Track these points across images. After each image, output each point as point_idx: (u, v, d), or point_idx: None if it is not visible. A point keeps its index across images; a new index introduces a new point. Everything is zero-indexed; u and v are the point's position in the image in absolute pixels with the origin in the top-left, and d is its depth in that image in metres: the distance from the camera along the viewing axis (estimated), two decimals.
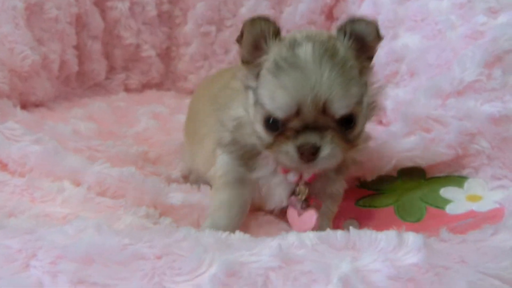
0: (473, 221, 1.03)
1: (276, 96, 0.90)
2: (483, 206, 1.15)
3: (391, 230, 0.81)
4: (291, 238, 0.80)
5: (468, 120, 1.24)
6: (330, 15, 1.95)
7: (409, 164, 1.27)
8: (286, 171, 1.04)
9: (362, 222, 1.20)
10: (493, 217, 1.06)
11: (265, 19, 0.95)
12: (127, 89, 2.02)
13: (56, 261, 0.68)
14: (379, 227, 1.15)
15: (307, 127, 0.90)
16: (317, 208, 1.06)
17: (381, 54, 1.57)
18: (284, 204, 1.08)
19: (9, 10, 1.39)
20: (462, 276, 0.74)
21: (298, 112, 0.90)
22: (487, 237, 0.88)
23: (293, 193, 1.06)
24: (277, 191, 1.06)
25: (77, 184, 1.10)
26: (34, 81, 1.50)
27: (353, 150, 0.98)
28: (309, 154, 0.89)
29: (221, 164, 1.07)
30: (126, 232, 0.80)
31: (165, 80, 2.09)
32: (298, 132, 0.90)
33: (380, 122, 1.68)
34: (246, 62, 0.99)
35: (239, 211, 1.05)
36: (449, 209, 1.18)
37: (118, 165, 1.26)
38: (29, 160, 1.12)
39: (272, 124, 0.93)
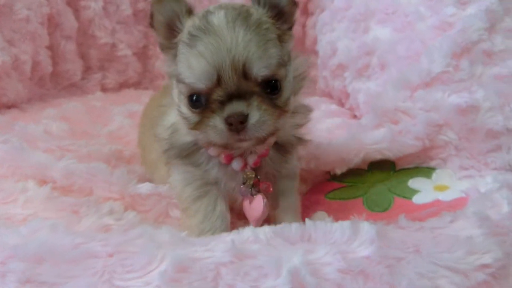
0: (435, 210, 1.03)
1: (193, 66, 0.86)
2: (449, 195, 1.16)
3: (346, 221, 0.82)
4: (246, 233, 0.81)
5: (435, 111, 1.24)
6: (305, 10, 1.95)
7: (377, 156, 1.27)
8: (229, 160, 0.99)
9: (331, 214, 1.19)
10: (455, 205, 1.06)
11: None
12: (104, 89, 2.02)
13: (5, 261, 0.68)
14: (347, 218, 1.18)
15: (231, 97, 0.85)
16: (267, 191, 1.02)
17: (353, 47, 1.59)
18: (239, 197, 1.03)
19: None
20: (412, 268, 0.75)
21: (219, 81, 0.85)
22: (445, 224, 0.89)
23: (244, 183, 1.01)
24: (232, 184, 1.02)
25: (43, 182, 1.11)
26: (4, 83, 1.50)
27: (284, 117, 0.93)
28: (238, 123, 0.84)
29: (176, 183, 1.02)
30: (82, 231, 0.80)
31: (143, 79, 2.08)
32: (223, 103, 0.86)
33: (354, 116, 1.69)
34: (165, 48, 0.96)
35: (222, 226, 1.00)
36: (416, 199, 1.18)
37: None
38: None
39: (196, 101, 0.88)
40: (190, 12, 0.93)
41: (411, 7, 1.47)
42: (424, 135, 1.23)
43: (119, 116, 1.69)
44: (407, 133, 1.24)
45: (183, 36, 0.90)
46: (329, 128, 1.48)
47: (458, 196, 1.15)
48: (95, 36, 1.89)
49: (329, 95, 1.86)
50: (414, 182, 1.26)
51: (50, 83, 1.81)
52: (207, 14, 0.90)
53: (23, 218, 0.97)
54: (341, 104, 1.76)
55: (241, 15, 0.88)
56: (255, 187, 1.01)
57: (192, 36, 0.87)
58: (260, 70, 0.86)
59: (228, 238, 0.78)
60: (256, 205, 1.01)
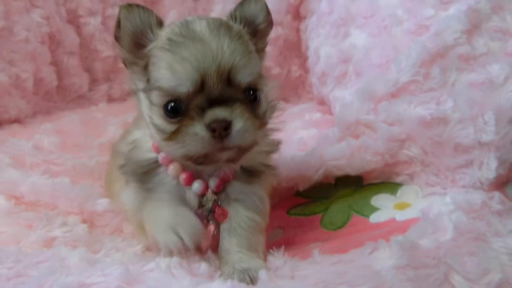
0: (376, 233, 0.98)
1: (176, 69, 0.84)
2: (406, 214, 1.10)
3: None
4: (150, 263, 0.82)
5: (398, 124, 1.17)
6: (296, 15, 1.90)
7: (338, 172, 1.23)
8: (190, 181, 0.95)
9: (288, 231, 1.19)
10: (406, 227, 1.00)
11: (143, 8, 0.90)
12: (112, 99, 2.11)
13: None
14: (301, 236, 1.16)
15: (213, 103, 0.83)
16: (220, 218, 0.96)
17: (332, 54, 1.53)
18: None
19: None
20: None
21: (202, 86, 0.84)
22: (364, 256, 0.85)
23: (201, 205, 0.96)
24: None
25: (13, 198, 1.20)
26: (4, 101, 1.63)
27: (263, 129, 0.92)
28: (221, 129, 0.82)
29: (129, 201, 0.99)
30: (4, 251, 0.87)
31: None
32: (203, 110, 0.83)
33: None
34: (129, 63, 0.93)
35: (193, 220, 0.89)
36: (373, 217, 1.13)
37: (73, 177, 1.36)
38: None
39: (173, 110, 0.85)
40: (161, 24, 0.91)
41: (389, 10, 1.39)
42: (384, 150, 1.17)
43: (113, 127, 1.76)
44: (366, 148, 1.18)
45: (159, 42, 0.88)
46: (302, 139, 1.45)
47: (415, 216, 1.08)
48: (98, 50, 2.00)
49: (322, 101, 1.81)
50: (377, 199, 1.20)
51: (57, 97, 1.94)
52: (187, 23, 0.89)
53: None
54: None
55: (223, 26, 0.89)
56: (212, 213, 0.96)
57: (173, 41, 0.86)
58: (244, 77, 0.86)
59: (127, 266, 0.80)
60: (209, 233, 0.96)
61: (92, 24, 1.95)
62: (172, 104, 0.86)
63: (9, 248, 0.95)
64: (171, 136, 0.86)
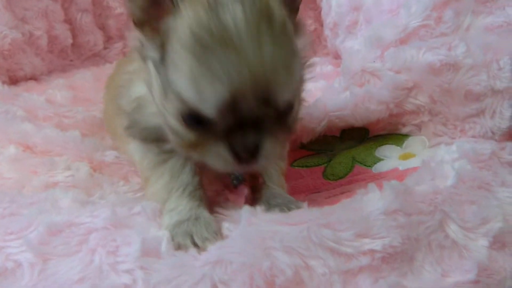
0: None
1: (203, 88, 0.67)
2: (409, 164, 1.06)
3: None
4: (137, 207, 0.83)
5: (405, 72, 1.12)
6: None
7: (341, 124, 1.19)
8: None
9: (288, 182, 1.17)
10: (403, 176, 0.96)
11: None
12: None
13: None
14: (301, 187, 1.15)
15: (242, 123, 0.69)
16: (253, 183, 0.90)
17: (343, 1, 1.46)
18: None
19: None
20: (282, 241, 0.72)
21: (232, 107, 0.68)
22: (356, 200, 0.82)
23: None
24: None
25: (25, 146, 1.24)
26: (19, 58, 1.66)
27: (288, 140, 0.82)
28: (248, 156, 0.71)
29: (135, 151, 0.92)
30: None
31: None
32: (230, 128, 0.70)
33: None
34: (140, 23, 0.77)
35: (194, 182, 0.85)
36: (376, 167, 1.10)
37: (83, 130, 1.40)
38: None
39: (194, 120, 0.71)
40: None
41: None
42: (389, 99, 1.12)
43: None
44: (370, 97, 1.14)
45: (181, 32, 0.70)
46: (310, 92, 1.40)
47: (417, 165, 1.04)
48: (110, 7, 1.99)
49: (337, 56, 1.75)
50: (382, 150, 1.17)
51: (72, 55, 1.96)
52: (216, 5, 0.68)
53: None
54: None
55: (264, 15, 0.69)
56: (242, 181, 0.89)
57: (199, 42, 0.67)
58: (284, 97, 0.71)
59: (114, 209, 0.81)
60: (238, 195, 0.90)
61: None
62: (192, 116, 0.71)
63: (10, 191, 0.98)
64: (189, 147, 0.75)
